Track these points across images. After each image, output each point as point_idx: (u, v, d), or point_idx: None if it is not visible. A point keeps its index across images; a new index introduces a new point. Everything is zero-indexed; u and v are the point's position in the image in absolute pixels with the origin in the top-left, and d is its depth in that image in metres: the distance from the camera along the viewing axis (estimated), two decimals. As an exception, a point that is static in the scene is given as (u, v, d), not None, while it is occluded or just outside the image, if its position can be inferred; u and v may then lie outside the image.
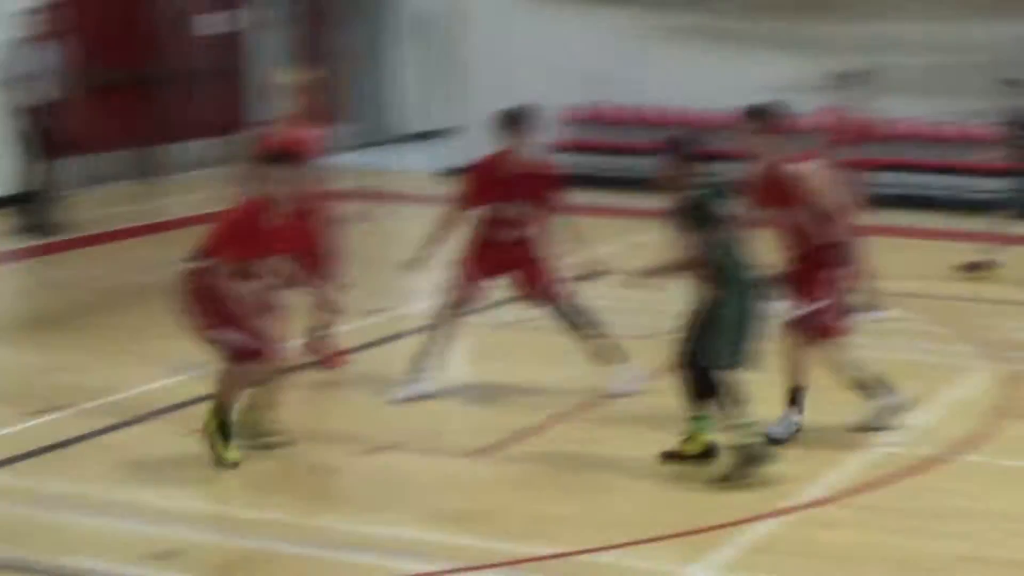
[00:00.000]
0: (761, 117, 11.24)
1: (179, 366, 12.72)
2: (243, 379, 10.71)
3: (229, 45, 24.67)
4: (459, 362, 12.78)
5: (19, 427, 11.51)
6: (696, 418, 10.68)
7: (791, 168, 11.13)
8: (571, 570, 8.96)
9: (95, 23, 22.37)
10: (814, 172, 11.22)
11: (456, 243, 12.40)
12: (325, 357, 13.09)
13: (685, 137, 10.92)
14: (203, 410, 11.57)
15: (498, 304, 14.71)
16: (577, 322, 12.44)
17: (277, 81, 13.51)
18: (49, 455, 10.91)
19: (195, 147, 24.00)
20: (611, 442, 11.21)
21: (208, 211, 17.07)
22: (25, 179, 19.32)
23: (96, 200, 21.75)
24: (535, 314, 13.10)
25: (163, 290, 15.62)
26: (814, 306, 11.18)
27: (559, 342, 12.68)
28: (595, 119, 23.78)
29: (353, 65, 26.91)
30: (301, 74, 13.50)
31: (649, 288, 10.84)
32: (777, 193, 11.09)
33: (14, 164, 19.38)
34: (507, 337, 14.29)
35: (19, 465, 10.74)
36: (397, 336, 14.01)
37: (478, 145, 12.82)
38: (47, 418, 11.67)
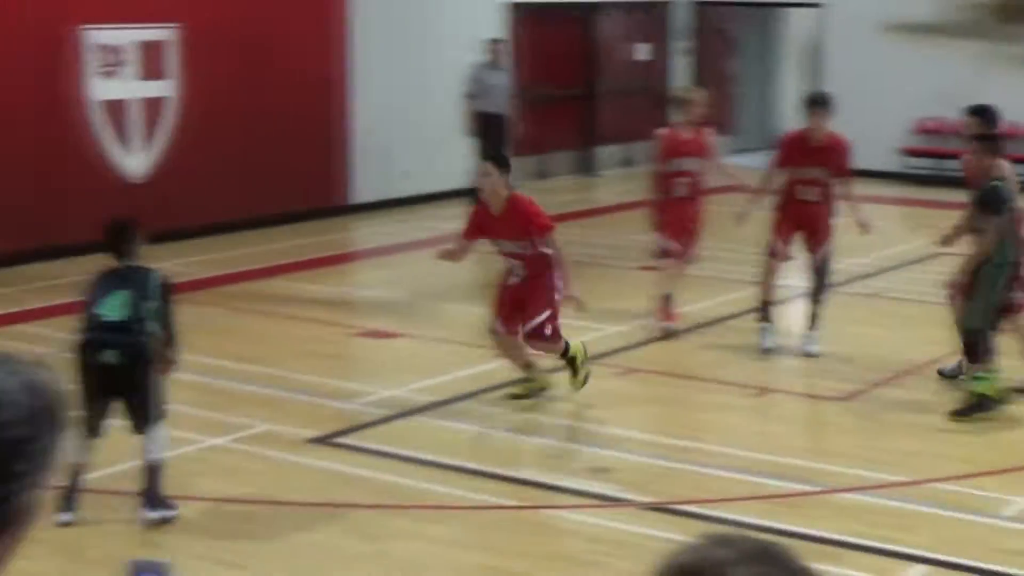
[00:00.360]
0: (983, 116, 10.94)
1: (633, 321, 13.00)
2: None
3: (650, 68, 24.85)
4: (832, 323, 12.62)
5: (483, 368, 11.72)
6: (977, 376, 10.45)
7: (1003, 165, 10.76)
8: (918, 495, 8.88)
9: (544, 50, 22.80)
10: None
11: (770, 211, 12.34)
12: (667, 314, 12.95)
13: (989, 136, 10.71)
14: (631, 357, 11.82)
15: (866, 276, 14.64)
16: (821, 285, 12.25)
17: (677, 95, 13.76)
18: (513, 388, 11.09)
19: (621, 150, 24.24)
20: (947, 394, 10.95)
21: (628, 201, 17.45)
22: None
23: (543, 190, 22.12)
24: (893, 285, 13.00)
25: (593, 264, 16.03)
26: None
27: (909, 312, 12.51)
28: (941, 130, 23.23)
29: (745, 83, 26.85)
30: (694, 91, 13.81)
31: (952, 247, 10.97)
32: None
33: (470, 162, 19.77)
34: (870, 304, 14.17)
35: (483, 396, 11.00)
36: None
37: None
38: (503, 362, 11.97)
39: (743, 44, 27.01)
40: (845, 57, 23.49)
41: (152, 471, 8.35)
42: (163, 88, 17.13)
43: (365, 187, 19.52)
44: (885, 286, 14.68)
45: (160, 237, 16.15)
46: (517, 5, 21.69)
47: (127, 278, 8.34)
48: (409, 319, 13.25)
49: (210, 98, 17.36)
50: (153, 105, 17.06)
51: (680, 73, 24.43)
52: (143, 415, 8.26)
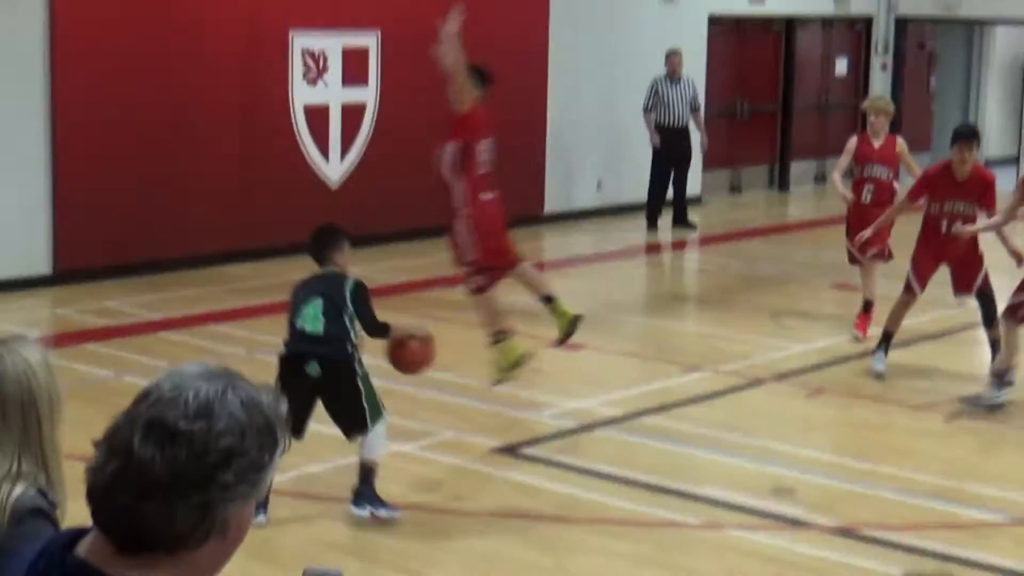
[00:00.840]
0: None
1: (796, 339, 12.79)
2: None
3: (848, 84, 24.49)
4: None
5: (677, 380, 11.68)
6: None
7: None
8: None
9: (742, 64, 22.59)
10: None
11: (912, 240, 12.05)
12: (860, 325, 13.05)
13: None
14: (820, 377, 11.62)
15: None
16: (990, 310, 11.85)
17: (866, 104, 13.86)
18: (698, 404, 11.04)
19: (815, 165, 23.91)
20: None
21: (822, 218, 17.19)
22: (660, 186, 19.50)
23: (735, 205, 21.94)
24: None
25: (785, 281, 15.82)
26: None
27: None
28: None
29: (946, 100, 26.32)
30: (882, 99, 14.05)
31: None
32: None
33: (645, 174, 19.57)
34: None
35: (671, 411, 10.87)
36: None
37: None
38: (696, 375, 11.84)
39: (945, 60, 26.48)
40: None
41: (364, 469, 8.39)
42: (364, 94, 17.33)
43: (553, 198, 19.51)
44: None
45: (354, 242, 16.39)
46: (717, 19, 21.52)
47: (321, 286, 8.43)
48: (595, 331, 13.16)
49: (409, 106, 17.49)
50: (353, 111, 17.26)
51: (878, 89, 24.03)
52: (352, 422, 8.33)
